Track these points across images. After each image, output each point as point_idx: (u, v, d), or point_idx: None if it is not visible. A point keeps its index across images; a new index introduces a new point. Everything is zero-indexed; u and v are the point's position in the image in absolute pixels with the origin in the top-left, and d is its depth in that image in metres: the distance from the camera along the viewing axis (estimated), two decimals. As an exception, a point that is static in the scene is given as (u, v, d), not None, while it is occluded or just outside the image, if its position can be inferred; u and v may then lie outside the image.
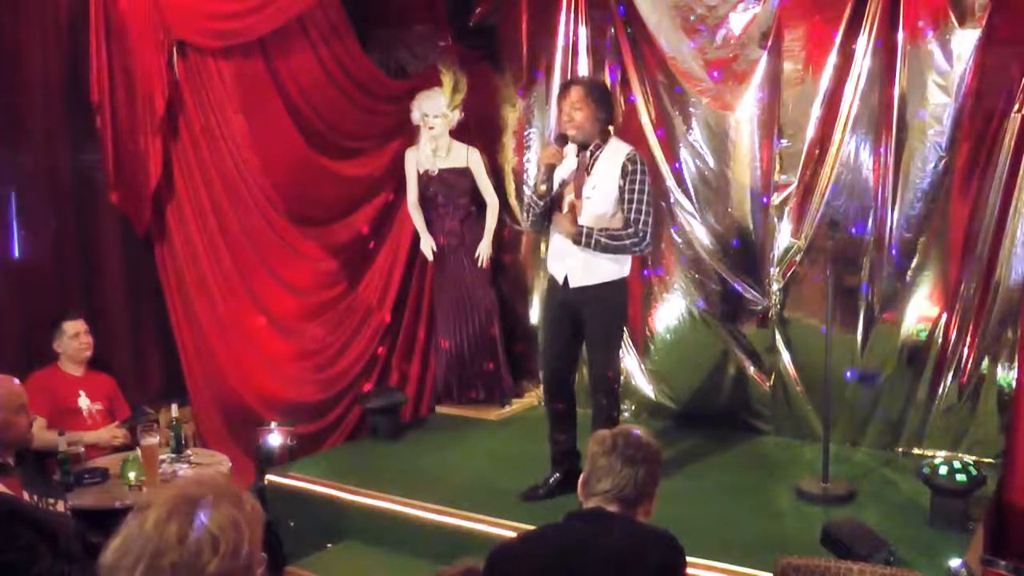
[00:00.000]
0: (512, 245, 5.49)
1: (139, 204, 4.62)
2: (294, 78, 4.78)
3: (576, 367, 4.03)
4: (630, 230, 3.68)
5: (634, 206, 3.68)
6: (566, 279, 3.81)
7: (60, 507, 2.79)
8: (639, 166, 3.72)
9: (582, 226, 3.71)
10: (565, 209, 3.80)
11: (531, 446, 4.26)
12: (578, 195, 3.78)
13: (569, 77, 4.92)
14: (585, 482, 2.15)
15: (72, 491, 3.32)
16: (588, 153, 3.78)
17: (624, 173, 3.70)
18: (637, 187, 3.69)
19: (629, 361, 5.03)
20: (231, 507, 1.28)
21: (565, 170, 3.84)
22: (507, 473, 4.22)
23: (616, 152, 3.75)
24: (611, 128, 3.91)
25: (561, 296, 3.87)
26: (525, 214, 4.26)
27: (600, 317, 3.80)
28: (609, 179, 3.71)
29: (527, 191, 5.06)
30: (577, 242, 3.70)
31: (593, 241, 3.68)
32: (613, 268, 3.76)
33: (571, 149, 3.83)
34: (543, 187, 3.75)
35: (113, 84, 4.44)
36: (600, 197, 3.72)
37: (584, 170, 3.78)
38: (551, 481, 3.90)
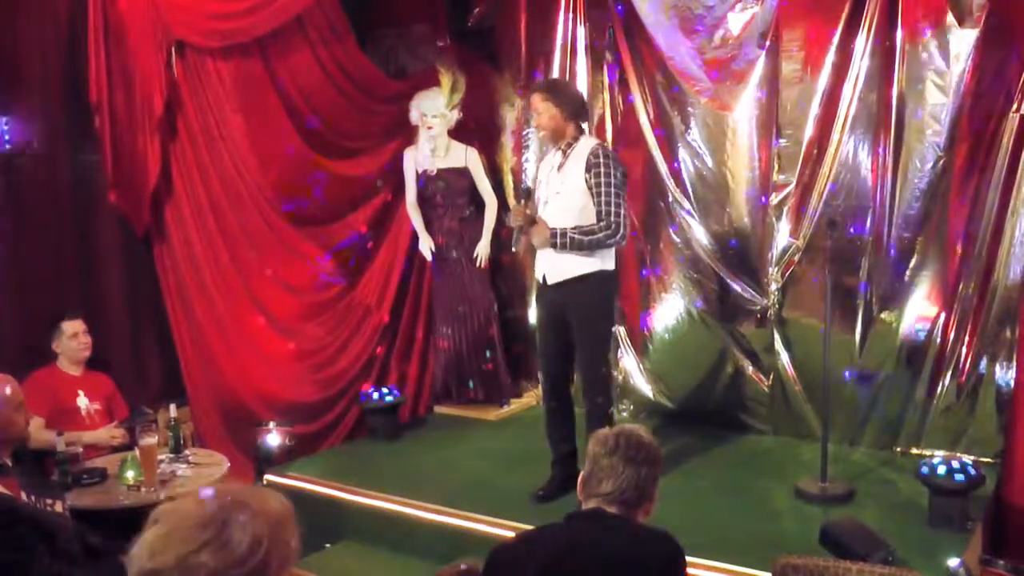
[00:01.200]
0: (511, 245, 5.47)
1: (138, 204, 4.61)
2: (293, 78, 4.78)
3: (572, 366, 4.03)
4: (602, 223, 3.69)
5: (602, 199, 3.69)
6: (544, 277, 3.86)
7: (58, 507, 2.78)
8: (602, 159, 3.71)
9: (555, 229, 3.71)
10: (539, 213, 3.83)
11: (530, 446, 4.27)
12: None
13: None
14: (585, 481, 2.13)
15: (70, 491, 3.30)
16: (562, 152, 3.82)
17: (588, 167, 3.71)
18: (603, 179, 3.69)
19: (628, 360, 5.04)
20: (268, 530, 1.27)
21: (543, 172, 3.92)
22: (506, 473, 4.23)
23: (584, 148, 3.77)
24: (583, 125, 3.92)
25: (545, 296, 3.92)
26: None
27: (584, 316, 3.81)
28: (574, 176, 3.73)
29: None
30: (555, 247, 3.72)
31: (568, 240, 3.69)
32: (587, 260, 3.75)
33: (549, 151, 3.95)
34: (516, 247, 4.03)
35: (112, 84, 4.44)
36: (568, 192, 3.74)
37: (557, 169, 3.82)
38: (552, 483, 3.90)
